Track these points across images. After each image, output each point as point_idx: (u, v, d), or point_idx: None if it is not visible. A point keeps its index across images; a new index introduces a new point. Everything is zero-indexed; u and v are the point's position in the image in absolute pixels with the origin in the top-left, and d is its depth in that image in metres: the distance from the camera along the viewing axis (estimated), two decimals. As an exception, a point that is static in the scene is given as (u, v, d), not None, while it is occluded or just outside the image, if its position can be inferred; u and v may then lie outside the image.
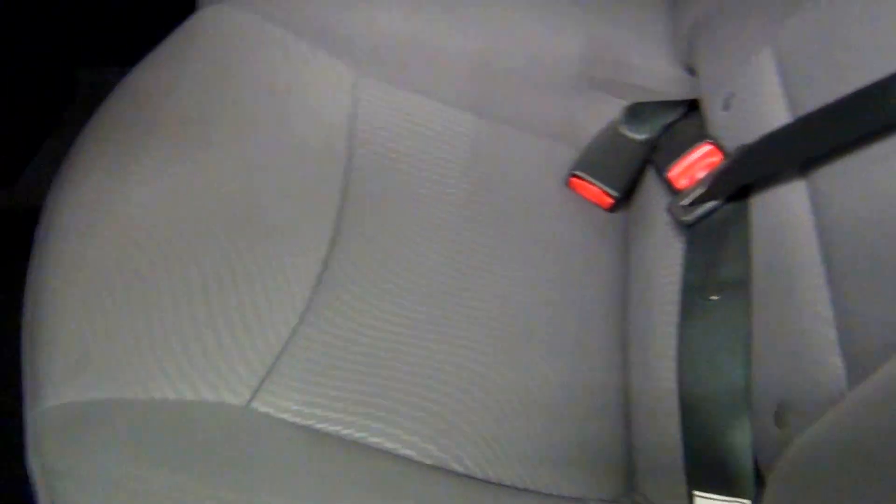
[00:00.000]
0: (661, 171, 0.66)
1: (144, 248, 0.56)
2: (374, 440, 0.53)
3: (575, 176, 0.71)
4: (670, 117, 0.72)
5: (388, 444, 0.53)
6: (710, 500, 0.50)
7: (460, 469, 0.53)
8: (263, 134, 0.65)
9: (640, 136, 0.72)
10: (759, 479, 0.48)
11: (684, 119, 0.72)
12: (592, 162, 0.71)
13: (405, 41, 0.74)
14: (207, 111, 0.66)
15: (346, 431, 0.53)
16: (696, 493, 0.50)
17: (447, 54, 0.75)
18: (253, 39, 0.72)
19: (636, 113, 0.73)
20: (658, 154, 0.69)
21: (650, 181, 0.70)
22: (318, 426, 0.52)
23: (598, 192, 0.71)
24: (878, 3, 0.52)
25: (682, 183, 0.63)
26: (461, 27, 0.76)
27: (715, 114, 0.66)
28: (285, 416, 0.52)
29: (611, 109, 0.74)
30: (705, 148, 0.63)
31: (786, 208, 0.53)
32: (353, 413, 0.53)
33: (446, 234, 0.64)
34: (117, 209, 0.58)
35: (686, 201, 0.60)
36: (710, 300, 0.55)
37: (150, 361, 0.51)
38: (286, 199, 0.62)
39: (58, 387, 0.50)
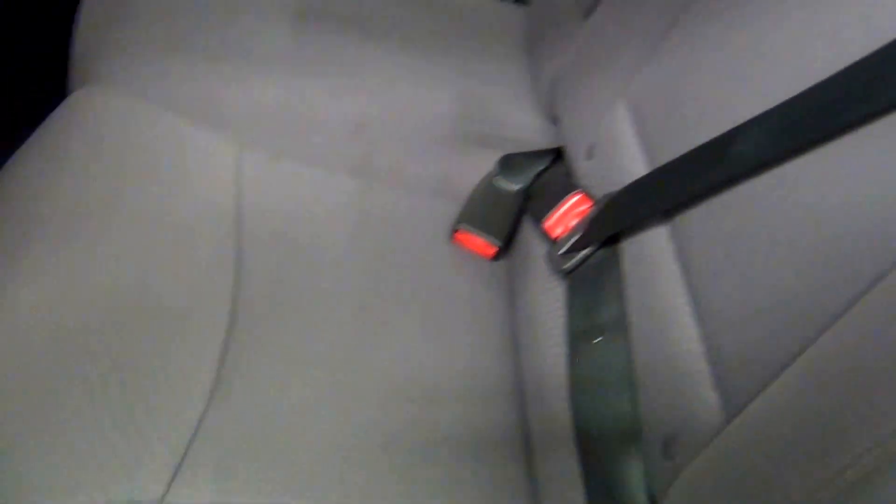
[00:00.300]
0: (537, 222, 0.70)
1: (36, 350, 0.56)
2: (292, 517, 0.54)
3: (458, 230, 0.74)
4: (541, 166, 0.77)
5: (307, 519, 0.54)
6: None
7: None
8: (149, 219, 0.65)
9: (515, 187, 0.76)
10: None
11: (554, 166, 0.77)
12: (473, 215, 0.75)
13: (284, 111, 0.76)
14: (90, 201, 0.65)
15: (263, 513, 0.53)
16: (600, 527, 0.54)
17: (325, 121, 0.77)
18: (130, 121, 0.72)
19: (509, 164, 0.77)
20: (533, 203, 0.74)
21: (529, 229, 0.74)
22: (235, 511, 0.53)
23: (481, 244, 0.74)
24: (715, 61, 0.57)
25: (557, 232, 0.67)
26: (336, 94, 0.79)
27: (580, 163, 0.71)
28: (201, 505, 0.52)
29: (486, 162, 0.78)
30: (576, 197, 0.68)
31: (652, 252, 0.58)
32: (269, 493, 0.54)
33: (341, 302, 0.66)
34: (3, 314, 0.57)
35: (562, 250, 0.65)
36: (594, 343, 0.59)
37: (56, 470, 0.50)
38: (179, 284, 0.62)
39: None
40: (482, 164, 0.79)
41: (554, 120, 0.81)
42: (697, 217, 0.55)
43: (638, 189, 0.59)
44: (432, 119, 0.80)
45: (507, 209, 0.75)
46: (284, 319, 0.64)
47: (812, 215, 0.46)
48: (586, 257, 0.64)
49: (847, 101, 0.43)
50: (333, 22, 0.84)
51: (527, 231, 0.75)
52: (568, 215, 0.67)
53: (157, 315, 0.60)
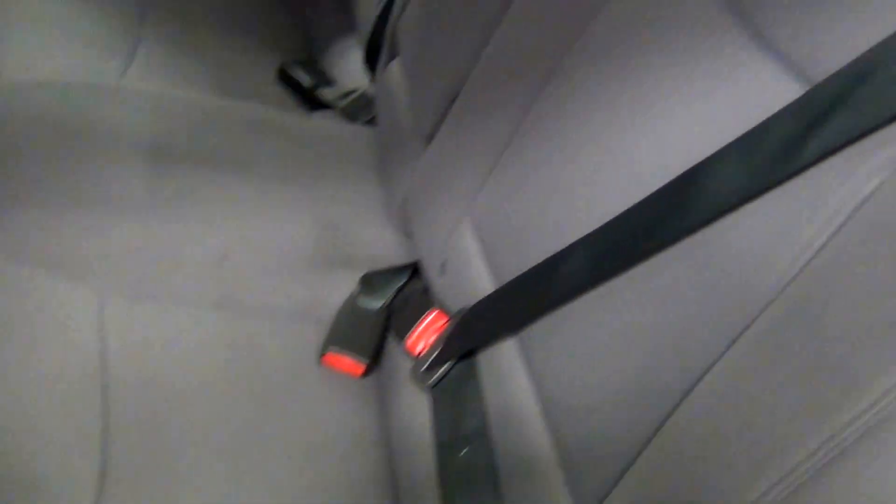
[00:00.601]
0: (400, 339, 0.74)
1: None
2: None
3: (326, 352, 0.77)
4: (400, 281, 0.81)
5: None
6: None
7: None
8: (10, 380, 0.64)
9: (377, 304, 0.80)
10: None
11: (413, 281, 0.81)
12: (340, 336, 0.78)
13: (143, 253, 0.77)
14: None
15: None
16: None
17: (188, 258, 0.79)
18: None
19: (369, 283, 0.81)
20: (396, 319, 0.78)
21: (394, 345, 0.77)
22: None
23: (349, 363, 0.77)
24: (542, 184, 0.63)
25: (419, 348, 0.71)
26: (196, 230, 0.81)
27: (434, 279, 0.76)
28: None
29: (349, 282, 0.82)
30: (433, 314, 0.72)
31: (503, 364, 0.62)
32: None
33: (213, 445, 0.67)
34: None
35: (424, 366, 0.68)
36: (461, 455, 0.62)
37: None
38: (45, 446, 0.61)
39: None
40: (345, 285, 0.82)
41: (409, 236, 0.85)
42: (540, 330, 0.59)
43: (485, 307, 0.64)
44: (293, 245, 0.83)
45: (372, 327, 0.78)
46: (158, 466, 0.63)
47: (632, 328, 0.52)
48: (447, 371, 0.67)
49: (649, 228, 0.49)
50: (187, 159, 0.87)
51: (392, 346, 0.78)
52: (427, 332, 0.71)
53: (25, 480, 0.59)
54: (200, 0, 1.22)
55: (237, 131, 0.95)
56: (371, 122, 1.09)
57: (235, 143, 0.92)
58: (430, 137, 0.82)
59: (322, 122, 1.07)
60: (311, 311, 0.80)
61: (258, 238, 0.82)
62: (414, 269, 0.83)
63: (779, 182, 0.42)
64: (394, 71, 0.97)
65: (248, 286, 0.79)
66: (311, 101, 1.15)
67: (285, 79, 1.17)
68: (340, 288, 0.82)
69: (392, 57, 0.99)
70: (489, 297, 0.64)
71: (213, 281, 0.78)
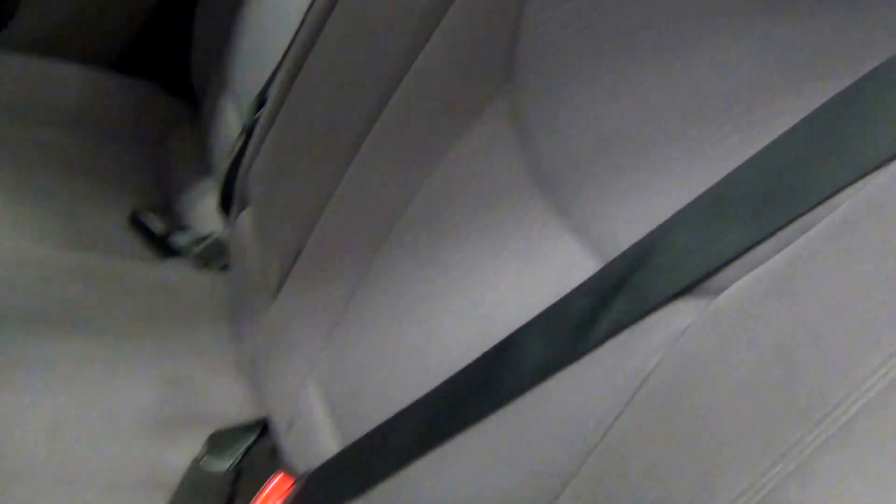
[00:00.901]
0: (245, 505, 0.72)
1: None
2: None
3: (164, 523, 0.73)
4: (249, 439, 0.79)
5: None
6: None
7: None
8: None
9: (224, 466, 0.77)
10: None
11: (264, 439, 0.80)
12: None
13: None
14: None
15: None
16: None
17: (16, 431, 0.74)
18: None
19: (216, 443, 0.78)
20: (242, 483, 0.75)
21: (241, 510, 0.75)
22: None
23: (194, 535, 0.74)
24: (379, 346, 0.65)
25: (263, 516, 0.69)
26: (28, 399, 0.77)
27: (281, 437, 0.74)
28: None
29: (195, 443, 0.79)
30: (278, 478, 0.70)
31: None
32: None
33: None
34: None
35: (269, 535, 0.66)
36: None
37: None
38: None
39: None
40: (192, 445, 0.79)
41: (259, 391, 0.84)
42: (383, 493, 0.59)
43: (328, 469, 0.64)
44: (134, 407, 0.80)
45: (217, 493, 0.75)
46: None
47: (468, 488, 0.53)
48: (297, 539, 0.66)
49: (469, 396, 0.51)
50: (20, 320, 0.83)
51: (242, 511, 0.75)
52: (272, 496, 0.69)
53: None
54: (44, 143, 1.19)
55: (79, 286, 0.92)
56: (226, 268, 1.08)
57: (77, 298, 0.90)
58: (277, 291, 0.82)
59: (172, 271, 1.05)
60: (154, 478, 0.77)
61: (96, 402, 0.79)
62: (265, 426, 0.81)
63: (578, 357, 0.44)
64: (244, 220, 0.98)
65: (84, 457, 0.75)
66: (163, 247, 1.13)
67: (137, 225, 1.15)
68: (186, 449, 0.78)
69: (244, 206, 1.00)
70: (332, 460, 0.64)
71: (45, 454, 0.74)
